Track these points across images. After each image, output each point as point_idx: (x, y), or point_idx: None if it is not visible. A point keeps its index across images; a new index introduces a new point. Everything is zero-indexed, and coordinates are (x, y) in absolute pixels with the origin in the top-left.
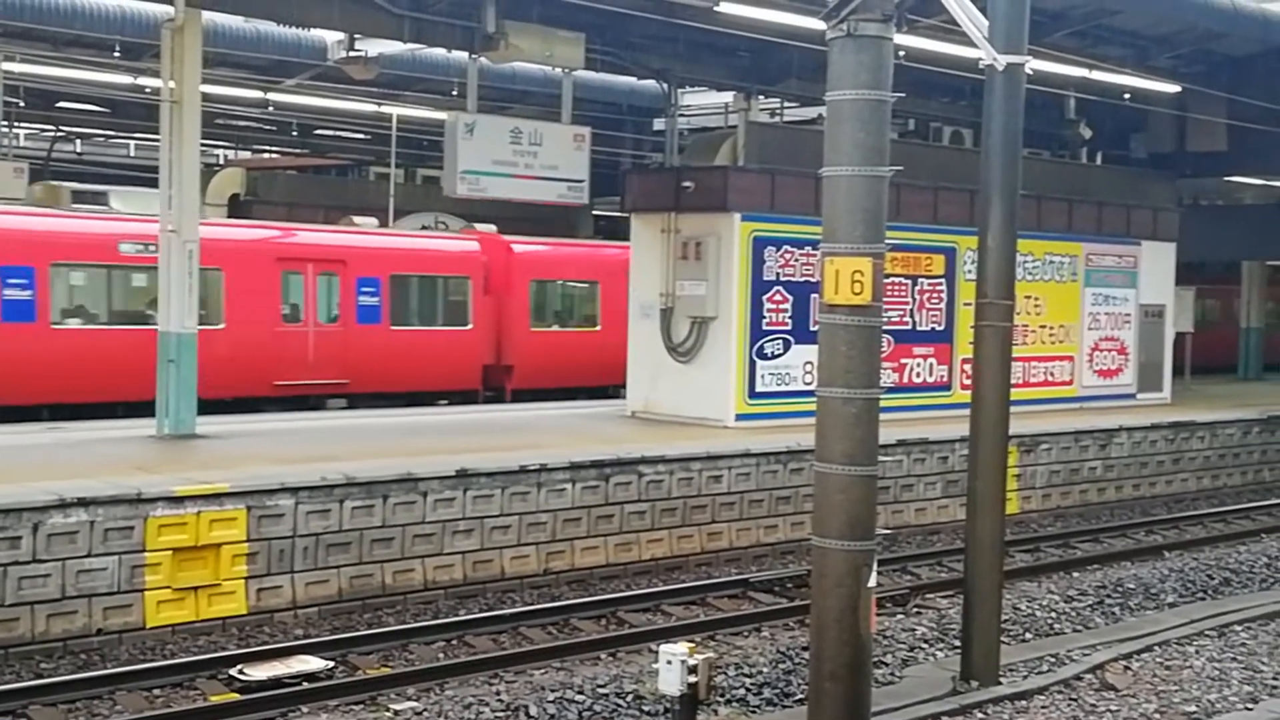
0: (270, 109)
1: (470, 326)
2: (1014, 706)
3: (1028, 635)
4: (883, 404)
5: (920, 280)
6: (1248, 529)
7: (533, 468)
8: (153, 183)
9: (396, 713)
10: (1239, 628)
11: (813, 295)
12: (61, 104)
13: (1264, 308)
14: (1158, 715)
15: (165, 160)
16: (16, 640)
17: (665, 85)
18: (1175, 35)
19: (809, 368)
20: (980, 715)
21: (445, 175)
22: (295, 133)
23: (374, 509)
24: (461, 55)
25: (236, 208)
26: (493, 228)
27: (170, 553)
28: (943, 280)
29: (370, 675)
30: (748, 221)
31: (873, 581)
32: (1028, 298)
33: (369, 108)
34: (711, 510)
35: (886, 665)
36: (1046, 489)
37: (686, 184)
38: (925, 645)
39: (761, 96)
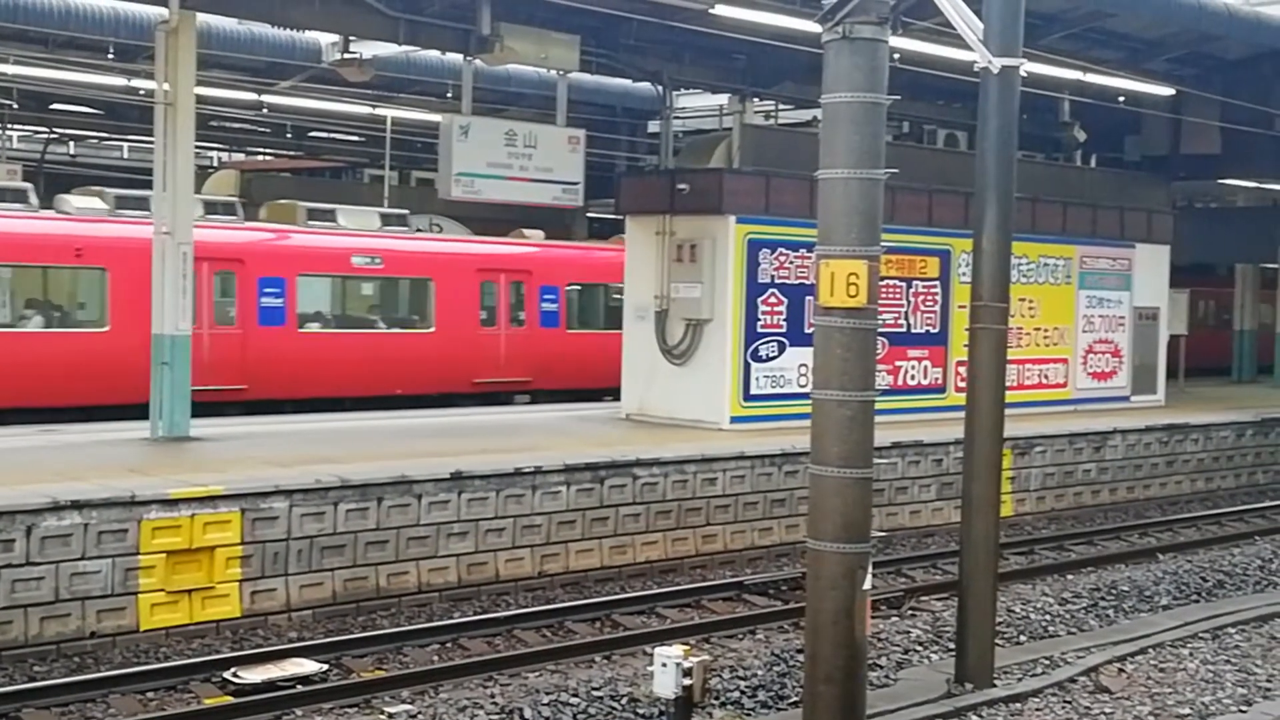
0: (265, 111)
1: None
2: (1008, 709)
3: (1022, 638)
4: (877, 406)
5: (915, 282)
6: (1241, 531)
7: (527, 470)
8: (146, 184)
9: (391, 715)
10: (1233, 630)
11: (807, 298)
12: (55, 106)
13: (1258, 310)
14: (1152, 718)
15: (159, 162)
16: (10, 643)
17: (660, 88)
18: (1169, 38)
19: (804, 370)
20: (975, 718)
21: (440, 177)
22: (290, 135)
23: (368, 511)
24: (456, 57)
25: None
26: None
27: (164, 555)
28: (937, 283)
29: (365, 678)
30: (742, 224)
31: (868, 584)
32: (1022, 300)
33: (363, 110)
34: (706, 513)
35: (881, 668)
36: (1041, 491)
37: (681, 186)
38: (920, 648)
39: (756, 99)
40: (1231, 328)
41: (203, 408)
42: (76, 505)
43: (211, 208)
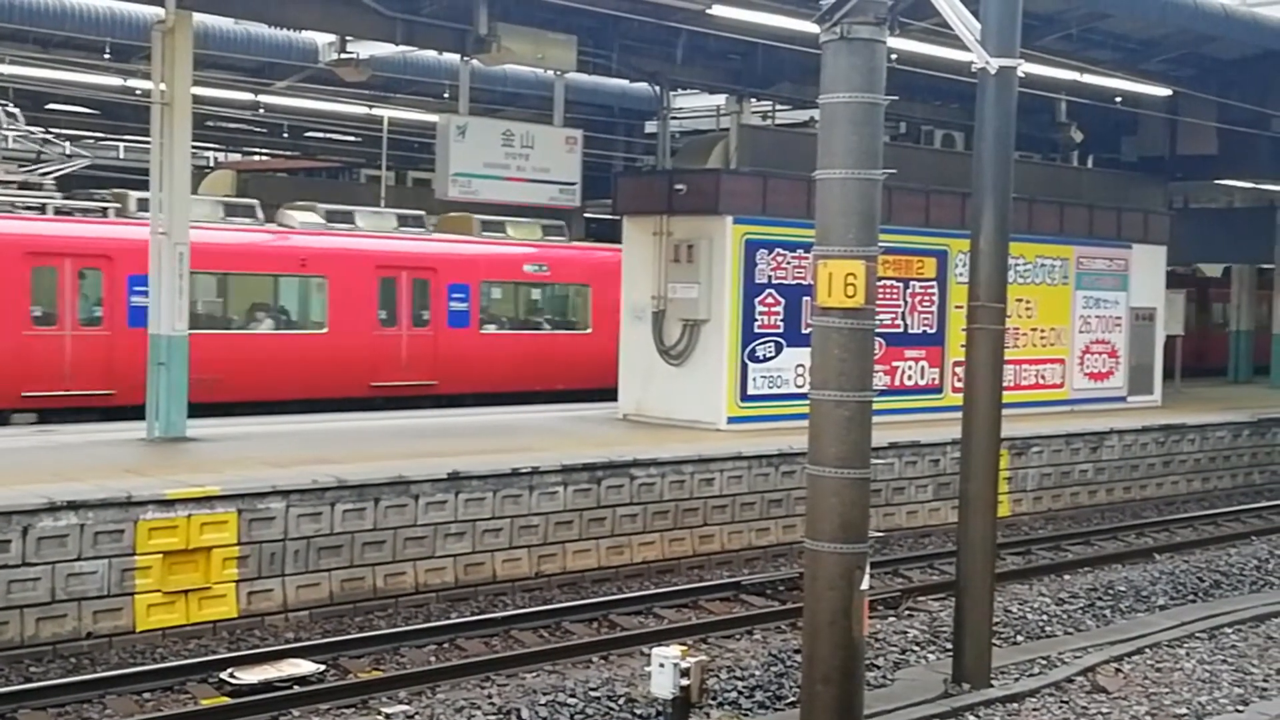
0: (261, 111)
1: None
2: (1005, 709)
3: (1019, 638)
4: (874, 407)
5: (912, 283)
6: (1238, 531)
7: (524, 470)
8: (144, 184)
9: (388, 716)
10: (1229, 630)
11: (804, 298)
12: (51, 106)
13: (1254, 310)
14: (1148, 717)
15: (156, 162)
16: (6, 644)
17: (657, 88)
18: (1166, 39)
19: (801, 370)
20: (972, 718)
21: (437, 178)
22: (286, 135)
23: (365, 512)
24: (453, 57)
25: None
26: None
27: (161, 556)
28: (934, 283)
29: (361, 678)
30: (740, 224)
31: (865, 584)
32: (1019, 300)
33: (360, 110)
34: (703, 513)
35: (878, 668)
36: (1038, 491)
37: (678, 187)
38: (917, 648)
39: (754, 99)
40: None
41: (403, 401)
42: (73, 506)
43: (404, 220)
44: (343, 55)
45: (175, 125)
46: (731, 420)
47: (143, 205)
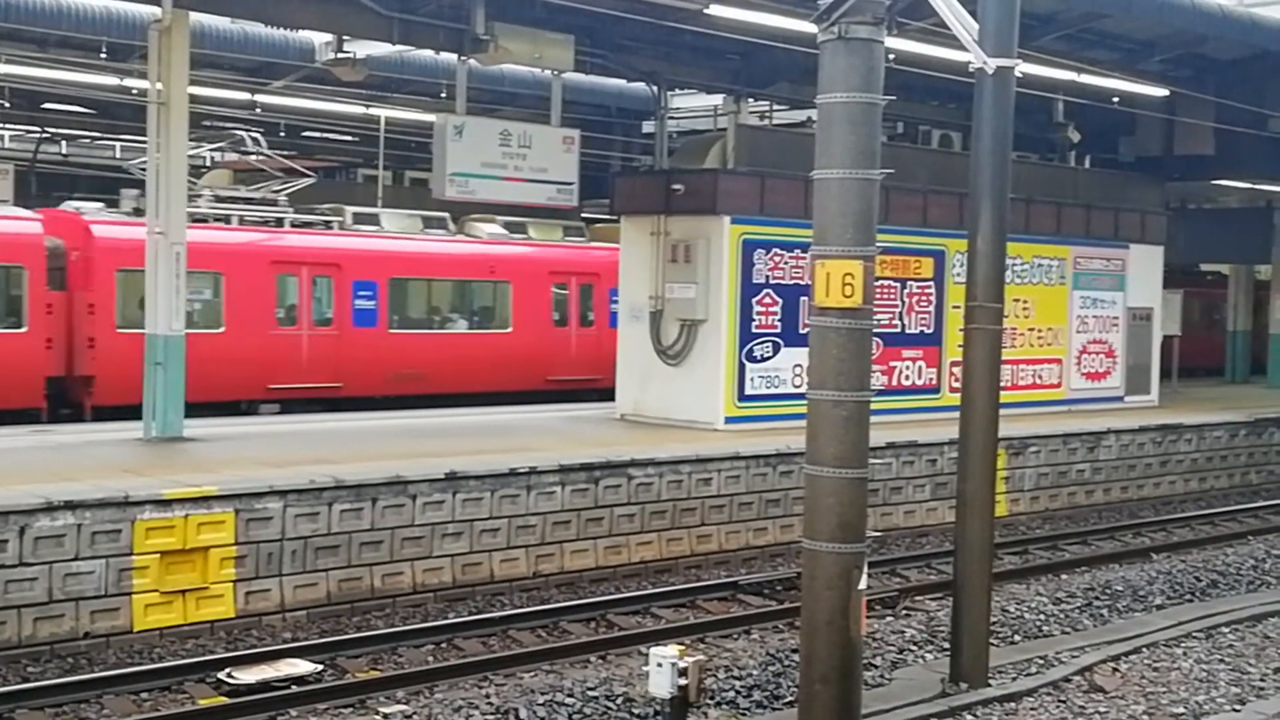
0: (258, 110)
1: None
2: (1003, 708)
3: (1016, 637)
4: (872, 406)
5: (909, 283)
6: (1235, 531)
7: (522, 470)
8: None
9: (386, 716)
10: (1226, 629)
11: (802, 298)
12: (47, 105)
13: (1251, 311)
14: (1146, 717)
15: (153, 162)
16: (3, 644)
17: (654, 88)
18: (1163, 39)
19: (798, 370)
20: (969, 717)
21: (434, 177)
22: (283, 134)
23: (363, 512)
24: (450, 57)
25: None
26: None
27: (158, 556)
28: (932, 283)
29: (359, 678)
30: (737, 224)
31: (863, 584)
32: (1016, 300)
33: (357, 109)
34: (701, 513)
35: (876, 667)
36: (1035, 491)
37: (676, 187)
38: (914, 647)
39: (751, 99)
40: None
41: (574, 395)
42: (70, 506)
43: (569, 231)
44: (339, 55)
45: (172, 125)
46: (729, 420)
47: (358, 219)
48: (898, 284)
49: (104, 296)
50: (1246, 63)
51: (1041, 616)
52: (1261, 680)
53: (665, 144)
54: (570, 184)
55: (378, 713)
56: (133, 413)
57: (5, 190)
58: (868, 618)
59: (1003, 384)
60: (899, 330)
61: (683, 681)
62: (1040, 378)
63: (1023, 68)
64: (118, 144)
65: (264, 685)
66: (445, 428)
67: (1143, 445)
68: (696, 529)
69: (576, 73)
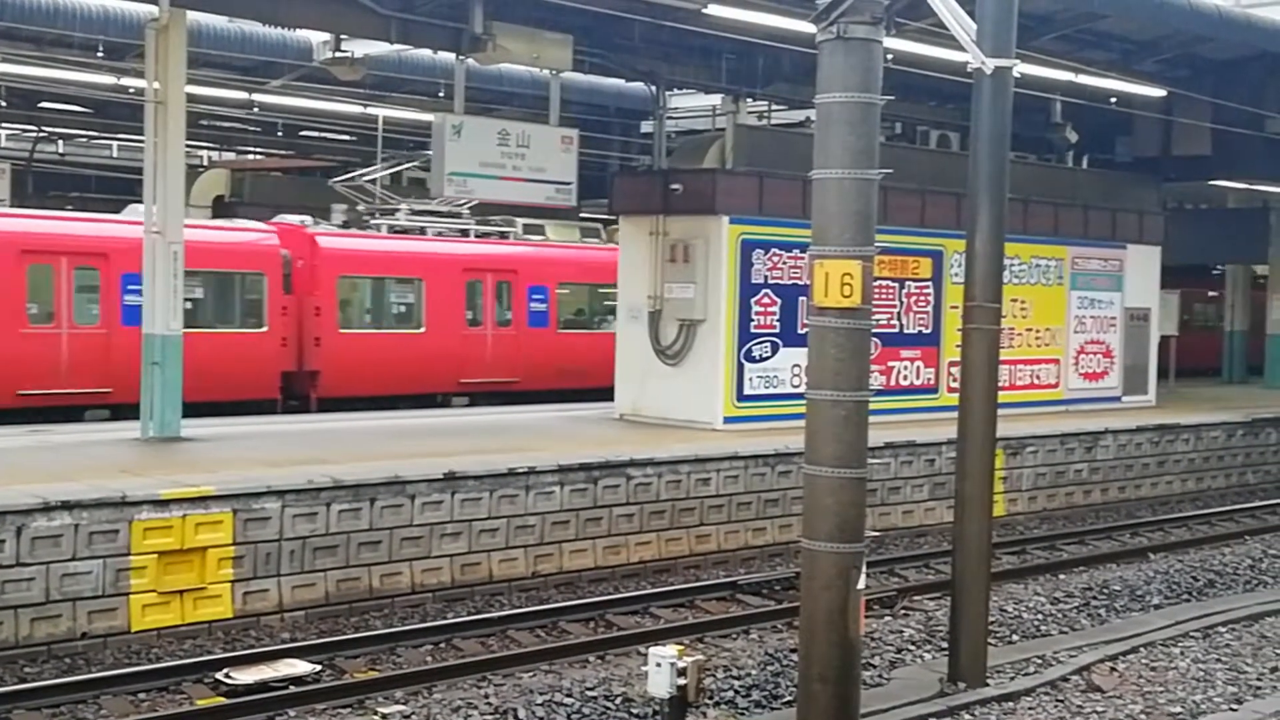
0: (255, 110)
1: None
2: (1001, 708)
3: (1014, 637)
4: (870, 406)
5: (907, 283)
6: (1232, 531)
7: (521, 470)
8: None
9: (384, 716)
10: (1223, 629)
11: (800, 298)
12: (44, 104)
13: (1247, 311)
14: (1143, 716)
15: (150, 161)
16: (1, 644)
17: (653, 87)
18: (1161, 39)
19: (797, 370)
20: (968, 717)
21: (432, 177)
22: (280, 134)
23: (361, 512)
24: (448, 56)
25: (221, 210)
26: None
27: (155, 556)
28: (930, 283)
29: (358, 679)
30: (736, 224)
31: (862, 583)
32: (1014, 301)
33: (355, 109)
34: (700, 513)
35: (874, 667)
36: (1033, 491)
37: (675, 186)
38: (913, 647)
39: (750, 99)
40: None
41: None
42: (67, 506)
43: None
44: (337, 54)
45: (169, 124)
46: (728, 420)
47: (528, 229)
48: (896, 284)
49: (327, 300)
50: (1243, 63)
51: (1039, 616)
52: (1258, 679)
53: (664, 144)
54: (569, 184)
55: (376, 713)
56: (351, 405)
57: (2, 189)
58: (866, 617)
59: (1000, 384)
60: (897, 330)
61: (681, 681)
62: (1038, 378)
63: (1021, 68)
64: (114, 143)
65: (262, 685)
66: (444, 428)
67: (1140, 445)
68: (695, 529)
69: (575, 72)
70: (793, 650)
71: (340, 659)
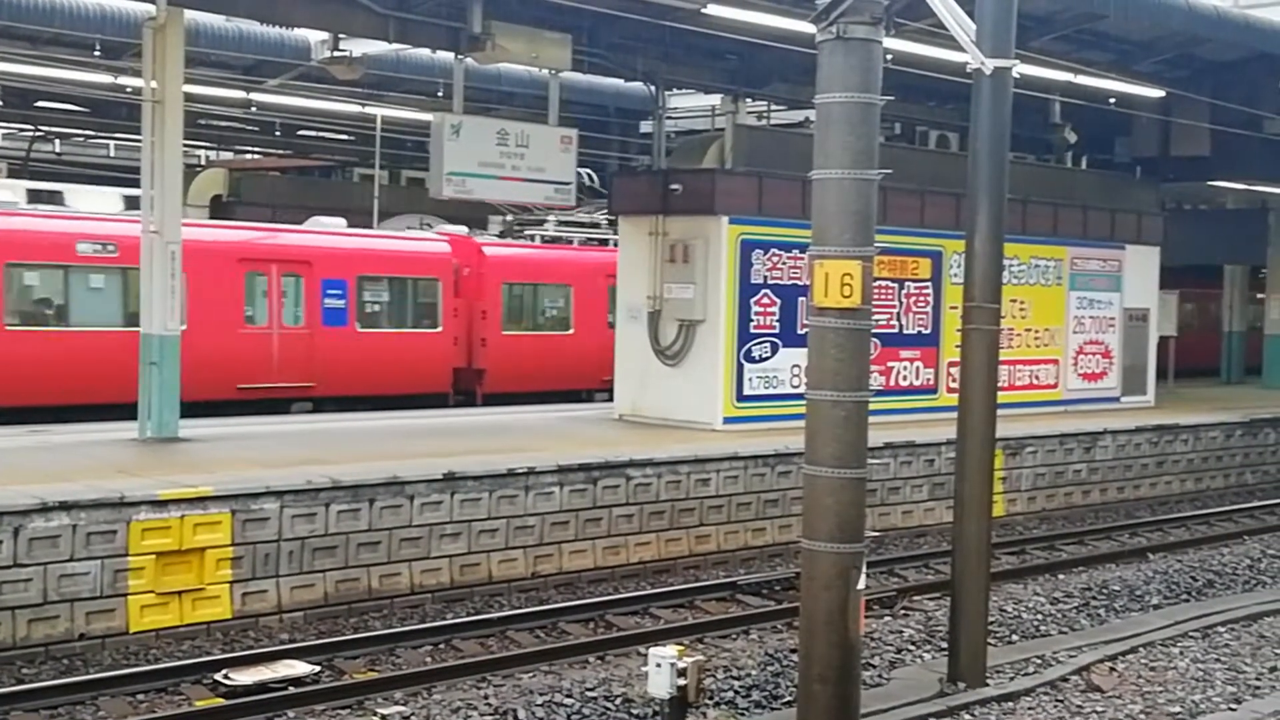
0: (253, 109)
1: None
2: (1001, 708)
3: (1014, 637)
4: (870, 407)
5: (907, 283)
6: (1231, 531)
7: (520, 471)
8: (134, 182)
9: (384, 717)
10: (1222, 629)
11: (800, 298)
12: (40, 103)
13: (1246, 311)
14: (1143, 716)
15: (147, 160)
16: None
17: (652, 87)
18: (1159, 40)
19: (796, 371)
20: (967, 717)
21: (431, 177)
22: (278, 133)
23: (360, 512)
24: (447, 56)
25: (218, 209)
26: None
27: (154, 557)
28: (929, 283)
29: (357, 680)
30: (735, 224)
31: (861, 584)
32: (1013, 301)
33: (353, 108)
34: (699, 513)
35: (874, 667)
36: (1032, 491)
37: (674, 187)
38: (912, 647)
39: (749, 99)
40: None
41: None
42: (65, 506)
43: None
44: (335, 53)
45: (166, 123)
46: (727, 420)
47: None
48: (895, 284)
49: (493, 304)
50: (1242, 64)
51: (1039, 616)
52: (1257, 679)
53: (663, 144)
54: (568, 183)
55: (375, 714)
56: (512, 400)
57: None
58: (866, 617)
59: (1000, 384)
60: (897, 331)
61: (681, 682)
62: (1037, 378)
63: (1020, 69)
64: (112, 143)
65: (261, 686)
66: (443, 428)
67: (1139, 445)
68: (695, 529)
69: (574, 72)
70: (793, 650)
71: (339, 660)
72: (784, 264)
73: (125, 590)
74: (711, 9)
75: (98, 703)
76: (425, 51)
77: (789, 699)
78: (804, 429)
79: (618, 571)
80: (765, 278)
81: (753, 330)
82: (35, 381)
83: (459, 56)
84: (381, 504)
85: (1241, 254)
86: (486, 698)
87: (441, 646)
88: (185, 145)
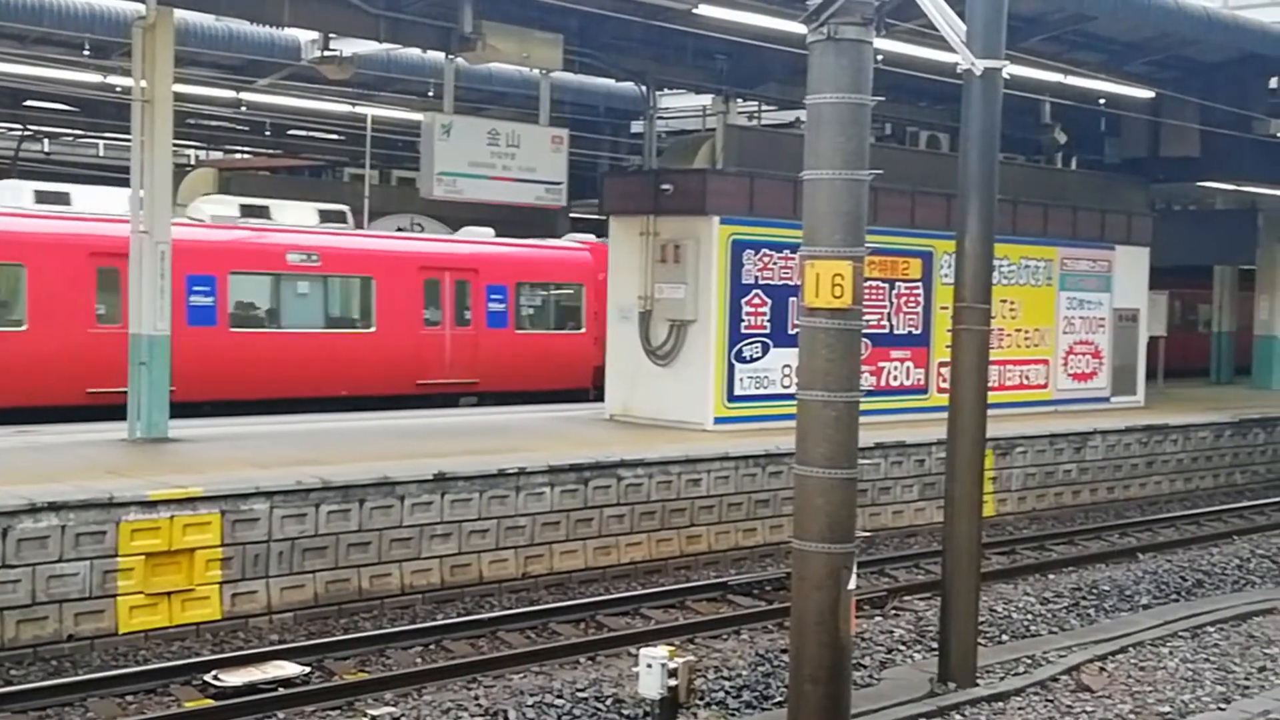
0: (243, 109)
1: None
2: (991, 708)
3: (1004, 637)
4: (860, 407)
5: (898, 284)
6: (1220, 531)
7: (511, 471)
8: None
9: (374, 718)
10: (1212, 629)
11: (791, 299)
12: (29, 102)
13: (1235, 312)
14: (1132, 716)
15: (137, 160)
16: None
17: (643, 87)
18: (1149, 41)
19: (787, 371)
20: (958, 717)
21: (421, 177)
22: (268, 133)
23: (350, 513)
24: (438, 55)
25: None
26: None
27: (143, 557)
28: (920, 284)
29: (347, 680)
30: (726, 225)
31: (852, 584)
32: (1003, 301)
33: (343, 108)
34: (690, 513)
35: (865, 667)
36: (1022, 492)
37: (665, 187)
38: (903, 647)
39: (740, 100)
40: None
41: None
42: (54, 507)
43: None
44: (326, 53)
45: (156, 123)
46: (718, 420)
47: None
48: (886, 285)
49: None
50: (1231, 65)
51: (1029, 616)
52: (1246, 679)
53: (654, 144)
54: (559, 184)
55: (365, 715)
56: None
57: None
58: (856, 618)
59: (990, 385)
60: (887, 331)
61: (672, 682)
62: (1027, 378)
63: (1010, 69)
64: (101, 142)
65: (251, 688)
66: (434, 428)
67: (1129, 446)
68: (686, 529)
69: (565, 72)
70: (784, 651)
71: (329, 661)
72: (775, 264)
73: (114, 591)
74: (702, 9)
75: (87, 704)
76: (416, 51)
77: (780, 699)
78: (795, 429)
79: (609, 572)
80: (756, 278)
81: (744, 330)
82: (252, 379)
83: (450, 56)
84: (372, 504)
85: (1230, 255)
86: (477, 698)
87: (432, 647)
88: (175, 145)
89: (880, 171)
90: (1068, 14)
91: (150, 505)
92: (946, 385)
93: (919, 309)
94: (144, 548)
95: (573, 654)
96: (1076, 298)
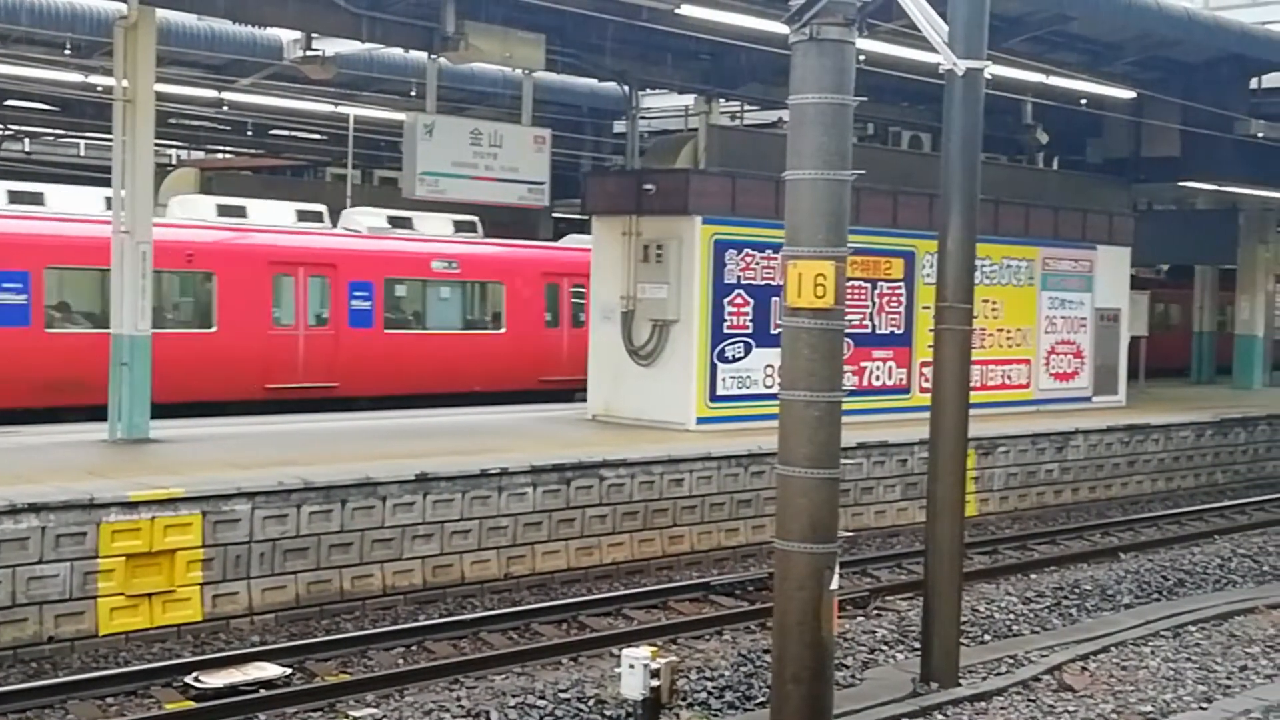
0: (225, 108)
1: None
2: (973, 708)
3: (986, 637)
4: (843, 407)
5: (880, 284)
6: (1201, 530)
7: (493, 471)
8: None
9: (356, 719)
10: (1193, 628)
11: (773, 299)
12: (9, 102)
13: (1216, 312)
14: (1114, 715)
15: (118, 160)
16: None
17: (626, 87)
18: (1130, 42)
19: (770, 371)
20: (940, 717)
21: (404, 177)
22: (250, 133)
23: (332, 514)
24: (420, 55)
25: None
26: None
27: (124, 559)
28: (902, 284)
29: (329, 682)
30: (709, 224)
31: (835, 584)
32: (985, 301)
33: (326, 108)
34: (673, 514)
35: (847, 667)
36: (1004, 491)
37: (647, 187)
38: (885, 647)
39: (722, 100)
40: None
41: None
42: (34, 508)
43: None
44: (308, 52)
45: (138, 123)
46: (701, 421)
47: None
48: (868, 284)
49: None
50: (1212, 65)
51: (1011, 616)
52: (1228, 678)
53: (636, 144)
54: (541, 183)
55: (347, 716)
56: None
57: None
58: (839, 618)
59: (972, 384)
60: (869, 331)
61: (655, 683)
62: (1009, 378)
63: (992, 69)
64: (82, 142)
65: (232, 689)
66: (416, 428)
67: (1110, 445)
68: (668, 530)
69: (547, 72)
70: (766, 651)
71: (311, 662)
72: (757, 264)
73: (95, 592)
74: (685, 9)
75: (67, 706)
76: (398, 51)
77: (762, 700)
78: (777, 429)
79: (591, 572)
80: (739, 278)
81: (726, 330)
82: (402, 376)
83: (432, 56)
84: (353, 505)
85: (1211, 255)
86: (459, 699)
87: (414, 648)
88: (156, 145)
89: (863, 172)
90: (1048, 14)
91: (131, 506)
92: (929, 385)
93: (901, 309)
94: (125, 549)
95: (555, 655)
96: (1058, 297)
